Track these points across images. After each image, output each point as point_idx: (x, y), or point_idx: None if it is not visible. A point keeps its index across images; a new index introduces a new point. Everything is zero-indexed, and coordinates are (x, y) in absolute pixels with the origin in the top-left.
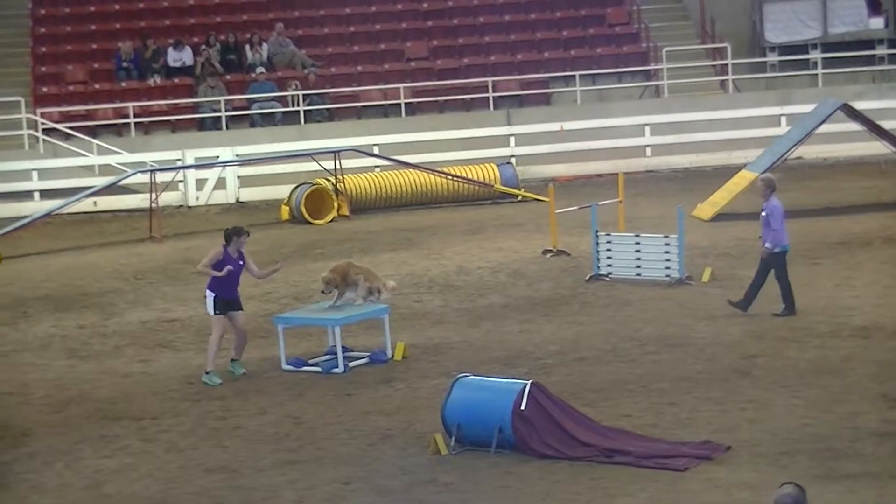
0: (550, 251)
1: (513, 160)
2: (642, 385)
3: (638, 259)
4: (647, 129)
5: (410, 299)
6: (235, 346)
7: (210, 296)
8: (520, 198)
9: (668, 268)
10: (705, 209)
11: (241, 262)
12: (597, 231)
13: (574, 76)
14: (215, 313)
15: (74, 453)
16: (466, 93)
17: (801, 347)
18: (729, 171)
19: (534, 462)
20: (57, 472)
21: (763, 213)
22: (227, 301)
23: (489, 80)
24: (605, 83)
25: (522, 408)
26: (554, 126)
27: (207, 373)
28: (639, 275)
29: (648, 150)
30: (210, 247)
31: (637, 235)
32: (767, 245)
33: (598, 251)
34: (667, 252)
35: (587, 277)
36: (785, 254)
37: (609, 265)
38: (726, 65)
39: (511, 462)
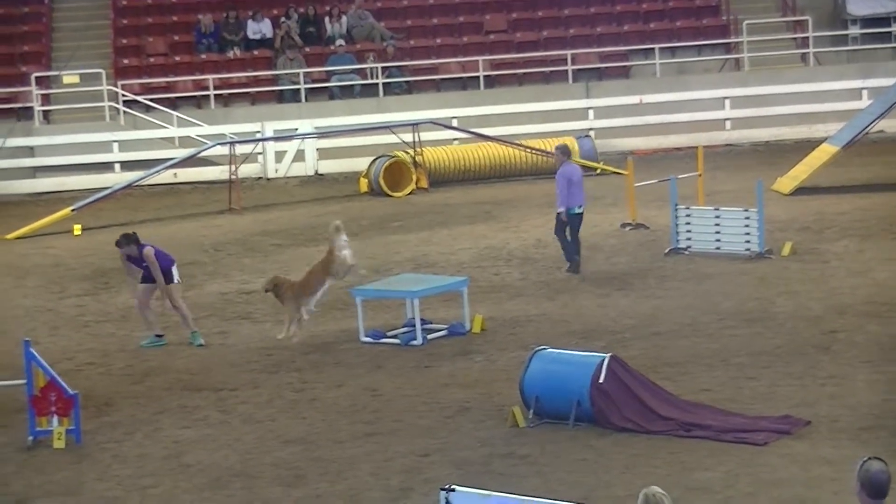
0: (629, 224)
1: (591, 133)
2: (721, 359)
3: (717, 233)
4: (727, 102)
5: (489, 272)
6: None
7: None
8: (598, 171)
9: (747, 242)
10: (785, 183)
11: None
12: (676, 204)
13: (653, 49)
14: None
15: (154, 423)
16: (545, 66)
17: (883, 322)
18: (809, 145)
19: (612, 435)
20: (137, 441)
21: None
22: None
23: (568, 52)
24: (685, 56)
25: (601, 381)
26: (633, 99)
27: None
28: (718, 249)
29: (728, 124)
30: (290, 219)
31: (716, 209)
32: (560, 209)
33: (677, 225)
34: (746, 226)
35: (666, 251)
36: (575, 215)
37: (688, 239)
38: (807, 38)
39: (589, 435)
